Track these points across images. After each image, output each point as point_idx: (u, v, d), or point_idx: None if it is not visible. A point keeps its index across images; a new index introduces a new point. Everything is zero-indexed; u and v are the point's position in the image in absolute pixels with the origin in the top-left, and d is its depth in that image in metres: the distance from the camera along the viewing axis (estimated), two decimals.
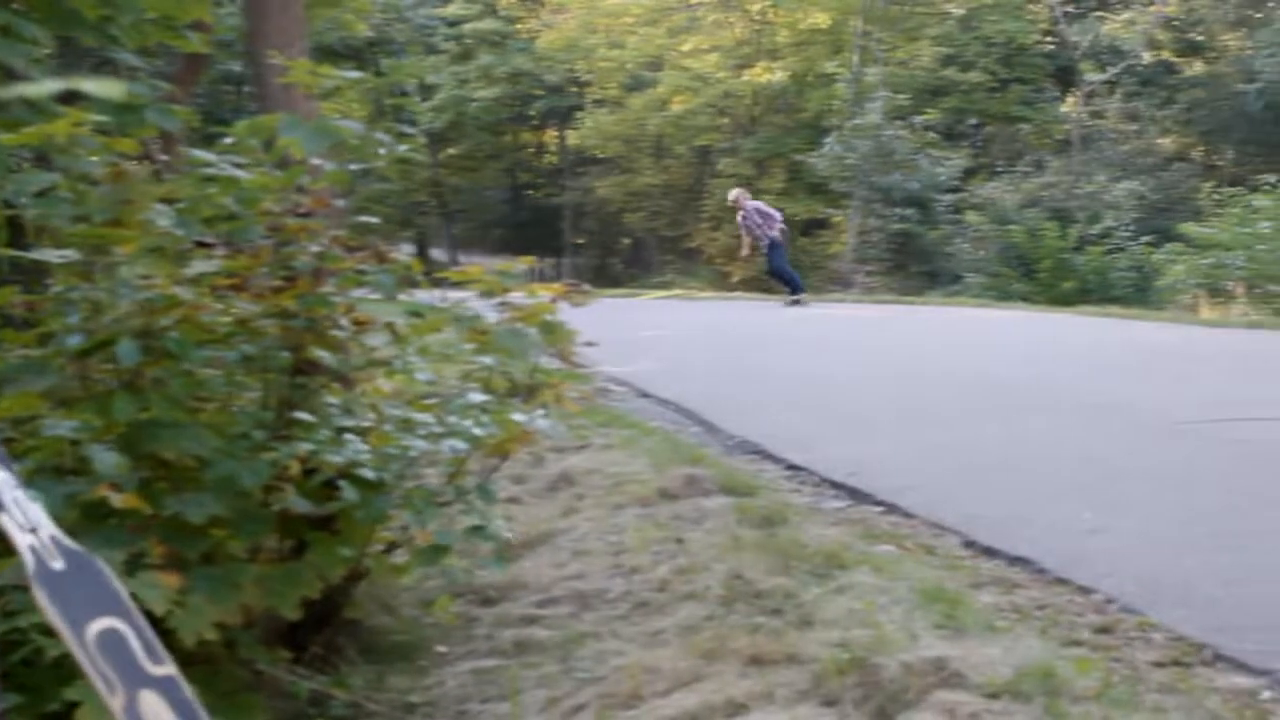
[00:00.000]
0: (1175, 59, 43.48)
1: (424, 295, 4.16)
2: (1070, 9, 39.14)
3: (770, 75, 40.60)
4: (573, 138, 45.53)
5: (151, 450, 3.34)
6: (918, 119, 33.21)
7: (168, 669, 1.37)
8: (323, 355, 3.78)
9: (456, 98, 44.64)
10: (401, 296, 3.85)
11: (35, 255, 3.41)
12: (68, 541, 1.43)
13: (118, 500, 3.00)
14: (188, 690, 1.38)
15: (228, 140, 3.84)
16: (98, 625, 1.37)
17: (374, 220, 4.76)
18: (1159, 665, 4.06)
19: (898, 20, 38.71)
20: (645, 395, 10.50)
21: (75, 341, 3.35)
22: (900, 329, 17.54)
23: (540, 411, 4.10)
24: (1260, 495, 6.32)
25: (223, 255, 3.66)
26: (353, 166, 4.01)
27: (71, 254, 3.37)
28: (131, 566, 3.02)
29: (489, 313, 4.02)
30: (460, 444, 3.90)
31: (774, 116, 41.55)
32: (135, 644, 1.37)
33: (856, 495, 6.63)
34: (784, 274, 22.98)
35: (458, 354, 4.10)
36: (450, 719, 3.85)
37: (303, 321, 3.66)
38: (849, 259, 33.27)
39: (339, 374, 3.95)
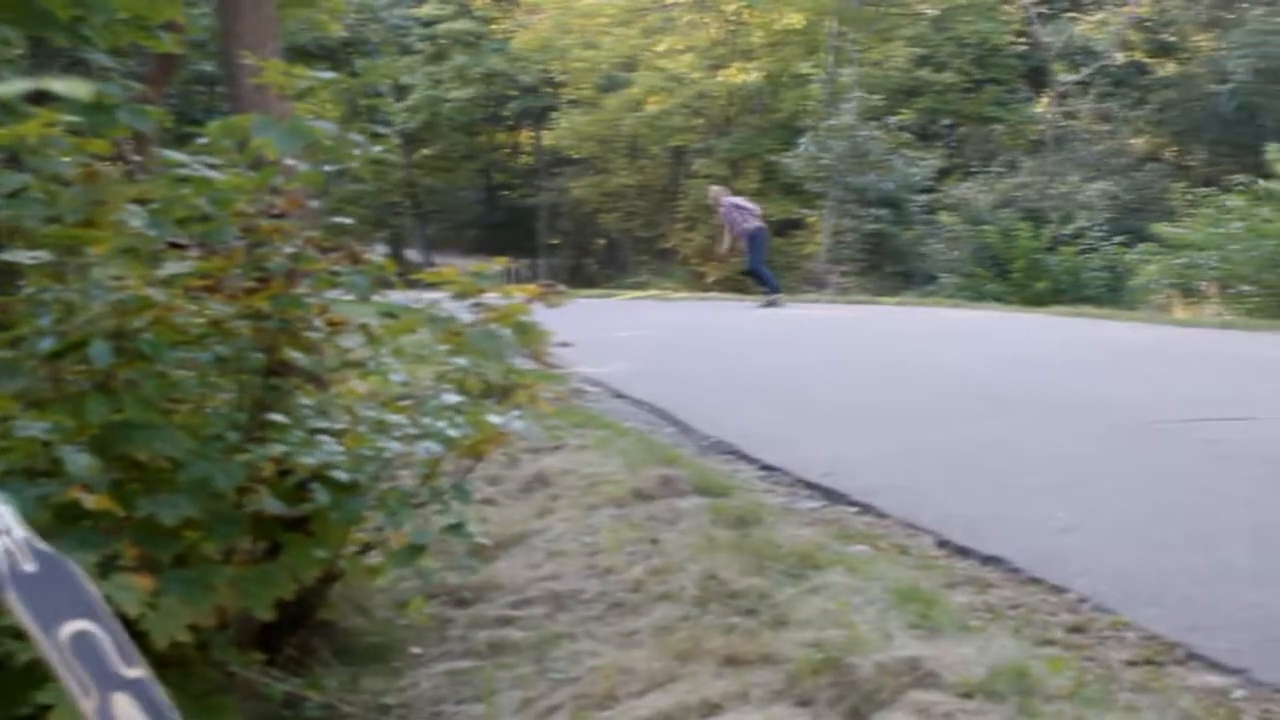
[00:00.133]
0: (1147, 59, 43.68)
1: (398, 296, 4.15)
2: (1043, 10, 39.24)
3: (745, 76, 40.61)
4: (547, 138, 45.49)
5: (124, 452, 3.32)
6: (892, 119, 33.28)
7: (140, 671, 1.37)
8: (297, 356, 3.77)
9: (431, 98, 44.56)
10: (376, 297, 3.84)
11: (7, 257, 3.39)
12: (40, 544, 1.43)
13: (90, 502, 2.99)
14: (160, 692, 1.38)
15: (201, 141, 3.83)
16: (70, 628, 1.37)
17: (348, 221, 4.74)
18: (1132, 664, 4.07)
19: (872, 21, 38.74)
20: (620, 396, 10.49)
21: (48, 343, 3.34)
22: (875, 329, 17.57)
23: (515, 413, 4.10)
24: (1232, 495, 6.34)
25: (196, 256, 3.65)
26: (327, 167, 4.00)
27: (44, 255, 3.36)
28: (104, 569, 3.01)
29: (463, 314, 4.02)
30: (435, 445, 3.90)
31: (749, 117, 41.55)
32: (108, 646, 1.37)
33: (831, 495, 6.63)
34: (759, 273, 22.96)
35: (432, 355, 4.09)
36: None
37: (276, 323, 3.66)
38: (823, 259, 33.30)
39: (313, 375, 3.95)
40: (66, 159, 3.41)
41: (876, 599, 4.44)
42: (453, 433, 3.91)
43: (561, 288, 4.24)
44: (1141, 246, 26.36)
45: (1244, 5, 39.84)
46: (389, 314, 3.81)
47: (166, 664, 3.09)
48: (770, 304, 21.91)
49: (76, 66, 7.02)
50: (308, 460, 3.57)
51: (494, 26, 46.40)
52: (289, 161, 3.83)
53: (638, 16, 42.25)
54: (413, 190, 49.05)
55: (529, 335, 4.01)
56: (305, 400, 3.91)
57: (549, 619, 4.57)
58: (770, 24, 40.34)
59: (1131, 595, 4.77)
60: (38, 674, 2.63)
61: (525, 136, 51.24)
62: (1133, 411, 8.84)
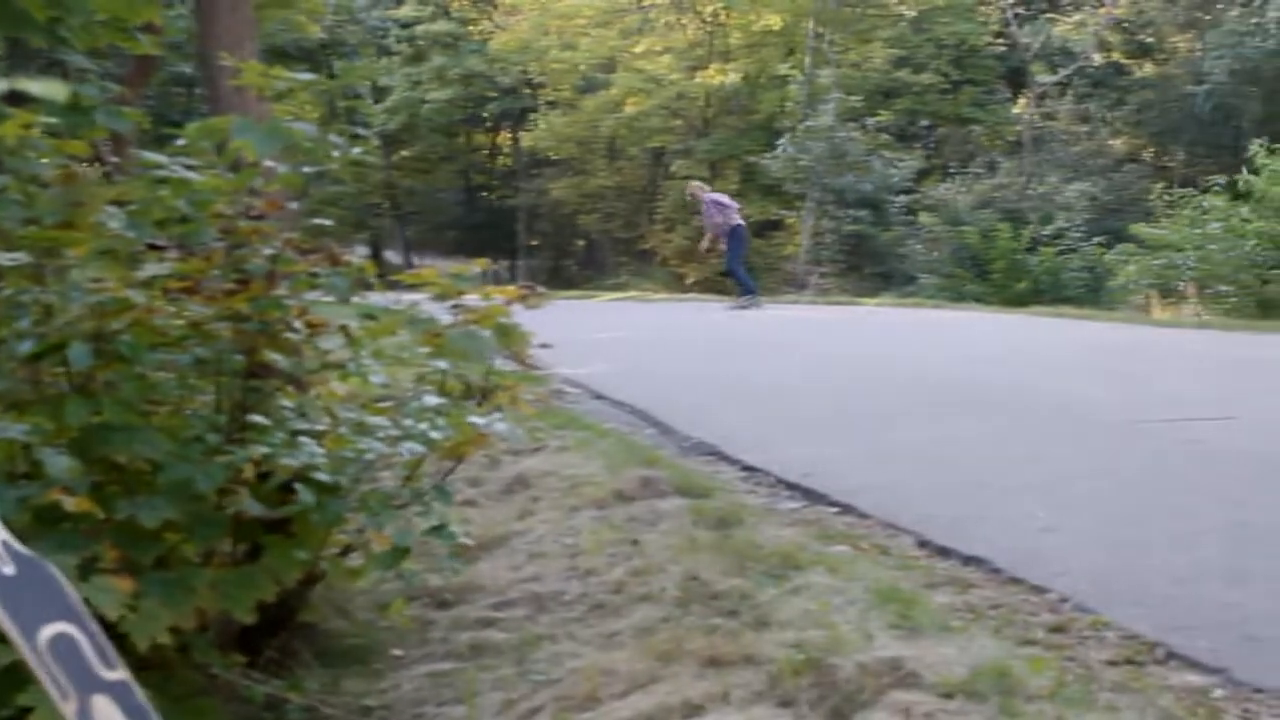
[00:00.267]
0: (1125, 60, 43.82)
1: (378, 298, 4.14)
2: (1021, 11, 39.39)
3: (723, 77, 40.62)
4: (526, 139, 45.43)
5: (104, 454, 3.32)
6: (871, 120, 33.37)
7: (121, 674, 1.36)
8: (276, 358, 3.76)
9: (410, 100, 44.53)
10: (355, 299, 3.84)
11: None
12: (19, 546, 1.42)
13: (70, 504, 2.98)
14: (141, 695, 1.37)
15: (179, 142, 3.81)
16: (50, 630, 1.36)
17: (327, 223, 4.73)
18: (1112, 664, 4.08)
19: (850, 22, 38.82)
20: (600, 397, 10.48)
21: (27, 345, 3.33)
22: (855, 330, 17.61)
23: (497, 415, 4.09)
24: (1211, 494, 6.37)
25: (175, 258, 3.64)
26: (306, 169, 3.98)
27: (22, 257, 3.34)
28: (84, 571, 2.99)
29: (443, 315, 4.01)
30: (417, 447, 3.89)
31: (727, 118, 41.58)
32: (88, 649, 1.36)
33: (812, 496, 6.64)
34: (736, 274, 22.94)
35: (412, 357, 4.09)
36: None
37: (256, 324, 3.65)
38: (803, 261, 33.33)
39: (293, 377, 3.94)
40: (44, 160, 3.40)
41: (857, 599, 4.44)
42: (434, 434, 3.91)
43: (541, 289, 4.23)
44: (1120, 247, 26.48)
45: (1220, 6, 39.98)
46: (369, 316, 3.80)
47: (147, 666, 3.08)
48: (744, 306, 21.85)
49: (54, 68, 7.00)
50: (289, 462, 3.56)
51: (472, 28, 46.38)
52: (268, 163, 3.82)
53: (616, 18, 42.27)
54: (392, 192, 48.99)
55: (509, 337, 4.01)
56: (285, 402, 3.90)
57: (530, 621, 4.56)
58: (748, 25, 40.39)
59: (1112, 595, 4.78)
60: (18, 676, 2.62)
61: (504, 138, 51.25)
62: (1112, 411, 8.87)
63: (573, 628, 4.45)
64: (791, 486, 6.86)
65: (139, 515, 3.20)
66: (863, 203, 32.30)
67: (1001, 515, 6.08)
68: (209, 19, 5.10)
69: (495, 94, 45.56)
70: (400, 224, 50.90)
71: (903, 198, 33.07)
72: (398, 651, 4.37)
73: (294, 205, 4.14)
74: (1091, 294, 26.58)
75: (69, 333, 3.30)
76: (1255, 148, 23.03)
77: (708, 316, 20.45)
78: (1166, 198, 27.30)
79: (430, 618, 4.66)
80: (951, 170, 35.53)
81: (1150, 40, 43.43)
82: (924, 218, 31.91)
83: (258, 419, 3.70)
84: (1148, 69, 43.58)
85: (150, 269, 3.54)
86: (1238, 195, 23.56)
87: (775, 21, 39.61)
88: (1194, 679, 3.94)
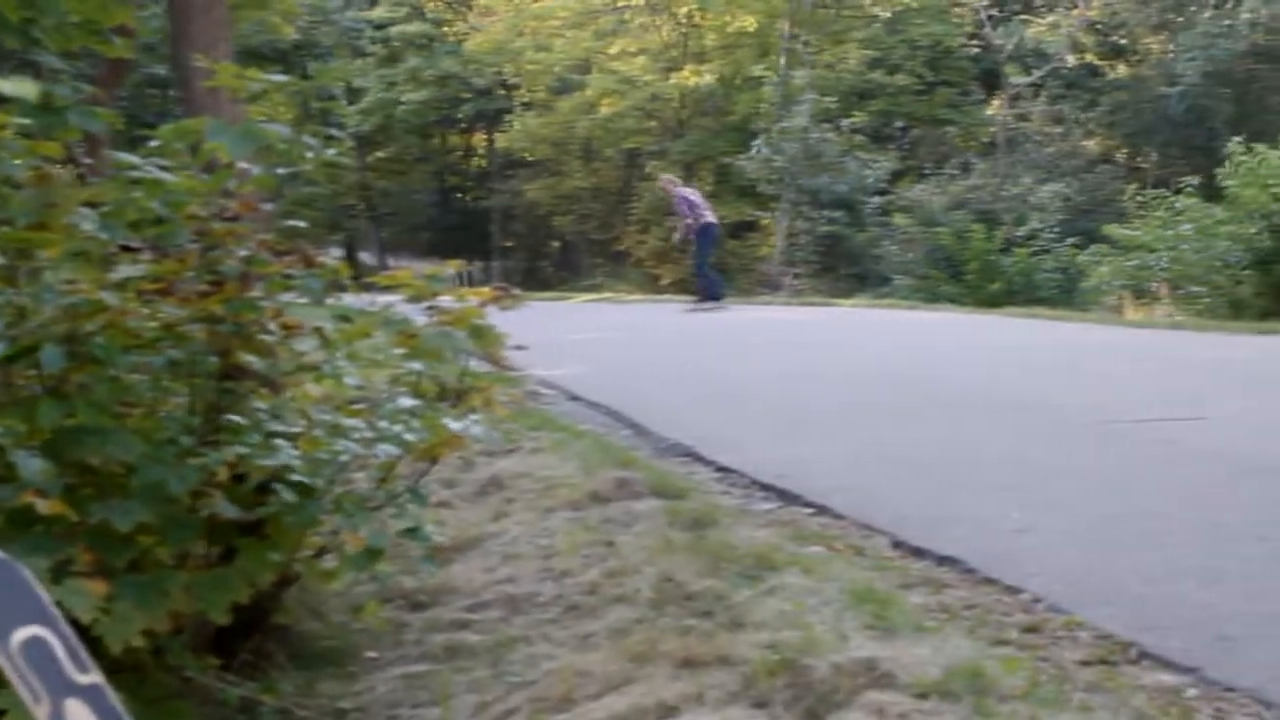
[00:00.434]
0: (1099, 62, 43.90)
1: (352, 299, 4.14)
2: (995, 12, 39.43)
3: (698, 78, 40.56)
4: (501, 141, 45.39)
5: (77, 456, 3.30)
6: (845, 121, 33.37)
7: (94, 677, 1.36)
8: (251, 360, 3.76)
9: (384, 101, 44.39)
10: (329, 301, 3.83)
11: None
12: None
13: (43, 507, 2.97)
14: (114, 698, 1.37)
15: (153, 143, 3.81)
16: (22, 634, 1.36)
17: (302, 224, 4.73)
18: (1086, 664, 4.10)
19: (824, 23, 38.85)
20: (575, 398, 10.49)
21: None
22: (829, 331, 17.63)
23: (472, 417, 4.09)
24: (1183, 494, 6.40)
25: (149, 259, 3.63)
26: (280, 170, 3.98)
27: None
28: (57, 574, 2.99)
29: (418, 317, 4.01)
30: (392, 448, 3.89)
31: (702, 119, 41.56)
32: (61, 652, 1.36)
33: (786, 497, 6.65)
34: (701, 272, 22.87)
35: (387, 359, 4.08)
36: None
37: (230, 326, 3.64)
38: (778, 261, 33.32)
39: (267, 379, 3.93)
40: (17, 161, 3.38)
41: (832, 600, 4.45)
42: (409, 436, 3.90)
43: (516, 291, 4.23)
44: (1094, 248, 26.54)
45: (1193, 8, 40.13)
46: (343, 317, 3.79)
47: (120, 669, 3.08)
48: (704, 308, 21.65)
49: (27, 68, 6.98)
50: (264, 464, 3.55)
51: (447, 29, 46.27)
52: (242, 164, 3.81)
53: (590, 19, 42.19)
54: (367, 193, 48.87)
55: (483, 338, 4.01)
56: (260, 404, 3.89)
57: (505, 622, 4.56)
58: (723, 26, 40.36)
59: (1085, 595, 4.80)
60: None
61: (479, 139, 51.15)
62: (1086, 412, 8.91)
63: (547, 629, 4.45)
64: (766, 487, 6.88)
65: (112, 518, 3.19)
66: (837, 204, 32.32)
67: (975, 516, 6.10)
68: (183, 20, 5.09)
69: (470, 95, 45.45)
70: (375, 225, 50.78)
71: (877, 199, 33.12)
72: (372, 653, 4.37)
73: (268, 207, 4.13)
74: (1065, 295, 26.65)
75: (42, 335, 3.29)
76: (1233, 147, 23.11)
77: (683, 318, 20.45)
78: (1139, 199, 27.37)
79: (405, 620, 4.66)
80: (926, 171, 35.56)
81: (1123, 42, 43.54)
82: (898, 219, 31.97)
83: (232, 421, 3.69)
84: (1121, 70, 43.69)
85: (124, 270, 3.54)
86: (1210, 196, 23.64)
87: (750, 23, 39.59)
88: (1167, 678, 3.96)
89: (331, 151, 3.94)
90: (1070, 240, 28.55)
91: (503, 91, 44.77)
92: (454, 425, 4.00)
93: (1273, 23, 38.05)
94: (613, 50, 41.73)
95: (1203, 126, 37.71)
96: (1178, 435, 7.90)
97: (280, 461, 3.60)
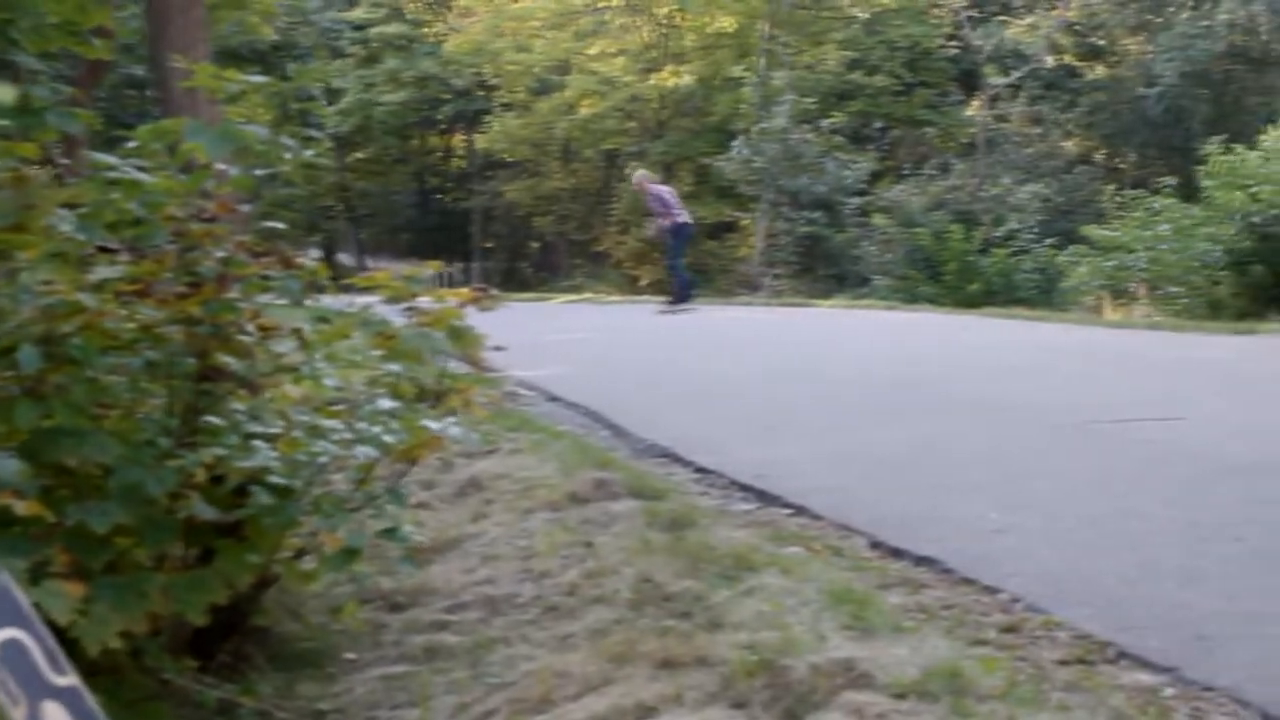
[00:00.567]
0: (1077, 63, 44.04)
1: (331, 301, 4.14)
2: (973, 13, 39.50)
3: (677, 79, 40.61)
4: (480, 141, 45.31)
5: (54, 457, 3.30)
6: (824, 122, 33.39)
7: (71, 679, 1.36)
8: (229, 361, 3.75)
9: (363, 102, 44.32)
10: (308, 302, 3.83)
11: None
12: None
13: (20, 508, 2.96)
14: (91, 700, 1.37)
15: (131, 144, 3.80)
16: None
17: (280, 225, 4.73)
18: (1064, 663, 4.11)
19: (804, 24, 38.90)
20: (554, 399, 10.48)
21: None
22: (808, 332, 17.64)
23: (451, 418, 4.09)
24: (1162, 494, 6.41)
25: (126, 260, 3.62)
26: (258, 171, 3.98)
27: None
28: (35, 575, 2.98)
29: (397, 318, 4.01)
30: (370, 450, 3.89)
31: (681, 120, 41.59)
32: (37, 654, 1.36)
33: (765, 497, 6.65)
34: (674, 270, 22.80)
35: (365, 360, 4.08)
36: None
37: (208, 327, 3.64)
38: (757, 262, 33.33)
39: (245, 380, 3.92)
40: None
41: (811, 600, 4.45)
42: (387, 438, 3.90)
43: (495, 291, 4.23)
44: (1072, 248, 26.68)
45: (1171, 9, 40.26)
46: (322, 318, 3.80)
47: (98, 671, 3.07)
48: (670, 311, 21.53)
49: (4, 70, 6.96)
50: (242, 465, 3.55)
51: (426, 30, 46.27)
52: (220, 165, 3.81)
53: (569, 20, 42.20)
54: (346, 194, 48.83)
55: (462, 339, 4.01)
56: (238, 405, 3.89)
57: (484, 623, 4.56)
58: (702, 27, 40.41)
59: (1063, 595, 4.81)
60: None
61: (458, 140, 51.10)
62: (1064, 412, 8.92)
63: (526, 630, 4.45)
64: (745, 488, 6.88)
65: (90, 519, 3.19)
66: (817, 204, 32.34)
67: (954, 516, 6.11)
68: (161, 21, 5.09)
69: (449, 96, 45.41)
70: (354, 226, 50.74)
71: (856, 199, 33.13)
72: (351, 655, 4.36)
73: (246, 208, 4.13)
74: (1044, 295, 26.69)
75: (19, 335, 3.29)
76: (1212, 149, 23.20)
77: (662, 318, 20.45)
78: (1118, 199, 27.47)
79: (383, 621, 4.65)
80: (905, 172, 35.59)
81: (1102, 43, 43.68)
82: (877, 219, 31.99)
83: (210, 422, 3.69)
84: (1099, 71, 43.82)
85: (101, 271, 3.53)
86: (1188, 196, 23.74)
87: (729, 24, 39.65)
88: (1145, 678, 3.97)
89: (310, 152, 3.94)
90: (1049, 241, 28.64)
91: (482, 92, 44.70)
92: (433, 426, 4.00)
93: (1250, 23, 38.21)
94: (592, 51, 41.75)
95: (1180, 127, 37.86)
96: (1156, 435, 7.92)
97: (258, 463, 3.60)
